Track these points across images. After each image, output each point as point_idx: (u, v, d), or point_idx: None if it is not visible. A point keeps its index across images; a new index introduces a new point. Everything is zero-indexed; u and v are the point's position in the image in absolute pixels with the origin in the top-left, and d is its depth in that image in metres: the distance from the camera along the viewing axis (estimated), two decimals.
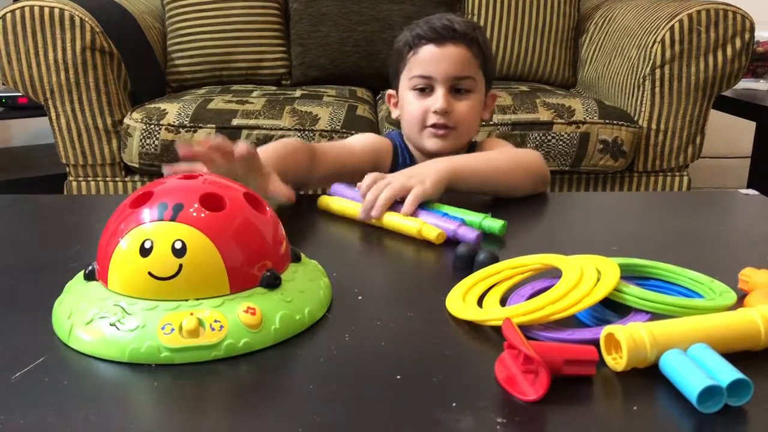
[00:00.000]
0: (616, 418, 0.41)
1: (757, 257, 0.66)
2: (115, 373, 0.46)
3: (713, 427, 0.39)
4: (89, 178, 1.63)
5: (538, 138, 1.56)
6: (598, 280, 0.51)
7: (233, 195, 0.52)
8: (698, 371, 0.41)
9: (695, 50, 1.57)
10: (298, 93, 1.75)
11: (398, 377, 0.44)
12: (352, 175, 0.84)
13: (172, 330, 0.46)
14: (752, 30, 1.57)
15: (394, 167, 1.01)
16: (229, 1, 1.91)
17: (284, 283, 0.52)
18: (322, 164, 0.89)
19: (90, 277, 0.52)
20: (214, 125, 1.52)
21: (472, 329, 0.51)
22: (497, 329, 0.49)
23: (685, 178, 1.69)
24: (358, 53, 1.96)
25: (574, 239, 0.77)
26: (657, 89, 1.60)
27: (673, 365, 0.42)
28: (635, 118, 1.63)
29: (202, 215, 0.49)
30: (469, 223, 0.73)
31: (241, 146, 0.69)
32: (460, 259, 0.63)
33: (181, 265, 0.48)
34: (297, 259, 0.57)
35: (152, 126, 1.53)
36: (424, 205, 0.76)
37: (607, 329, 0.45)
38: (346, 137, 1.52)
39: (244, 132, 1.52)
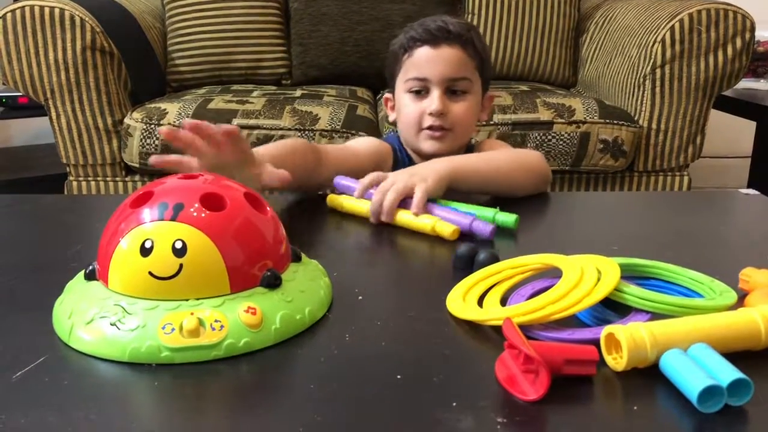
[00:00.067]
0: (616, 418, 0.41)
1: (757, 257, 0.66)
2: (115, 372, 0.46)
3: (713, 427, 0.39)
4: (89, 178, 1.63)
5: (538, 138, 1.56)
6: (599, 279, 0.51)
7: (234, 195, 0.52)
8: (698, 371, 0.41)
9: (696, 50, 1.57)
10: (298, 93, 1.75)
11: (398, 377, 0.44)
12: (355, 178, 0.84)
13: (173, 330, 0.46)
14: (753, 30, 1.57)
15: (395, 170, 1.01)
16: (230, 0, 1.91)
17: (285, 283, 0.52)
18: (326, 166, 0.89)
19: (90, 276, 0.52)
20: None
21: (472, 329, 0.51)
22: (497, 329, 0.49)
23: (686, 178, 1.69)
24: (359, 53, 1.96)
25: (575, 239, 0.77)
26: (657, 89, 1.60)
27: (674, 365, 0.42)
28: (635, 118, 1.63)
29: (203, 215, 0.49)
30: (482, 217, 0.73)
31: (224, 126, 0.69)
32: (461, 258, 0.63)
33: (181, 265, 0.48)
34: (297, 258, 0.57)
35: (153, 126, 1.53)
36: (432, 200, 0.77)
37: (607, 329, 0.45)
38: (347, 137, 1.52)
39: (245, 132, 1.52)
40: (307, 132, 1.53)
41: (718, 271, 0.56)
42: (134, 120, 1.55)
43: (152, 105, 1.59)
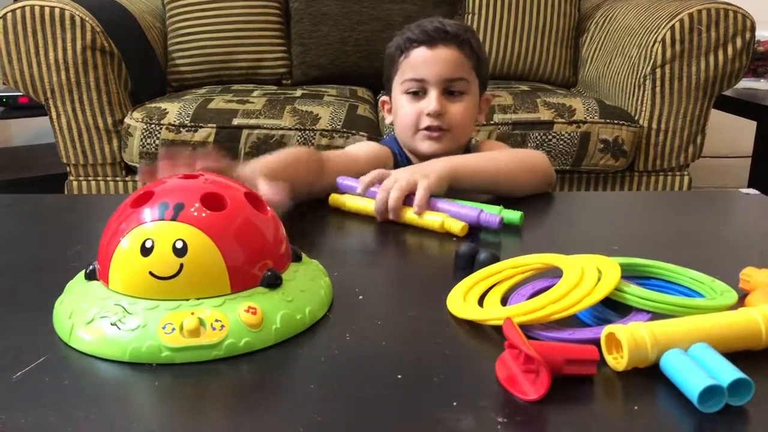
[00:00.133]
0: (616, 417, 0.41)
1: (757, 257, 0.66)
2: (116, 372, 0.46)
3: (714, 426, 0.39)
4: (90, 178, 1.63)
5: (538, 137, 1.56)
6: (599, 279, 0.51)
7: (234, 195, 0.52)
8: (699, 371, 0.41)
9: (696, 50, 1.57)
10: (298, 92, 1.75)
11: (399, 377, 0.44)
12: None
13: (173, 329, 0.46)
14: (753, 29, 1.57)
15: None
16: (230, 0, 1.91)
17: (285, 283, 0.52)
18: (328, 173, 0.89)
19: (91, 276, 0.52)
20: (214, 125, 1.52)
21: (472, 329, 0.51)
22: (498, 329, 0.49)
23: (686, 178, 1.69)
24: (359, 53, 1.96)
25: (575, 239, 0.77)
26: (658, 89, 1.60)
27: (674, 365, 0.42)
28: (636, 118, 1.63)
29: (203, 215, 0.49)
30: (488, 210, 0.73)
31: (202, 163, 0.62)
32: (461, 258, 0.63)
33: (182, 265, 0.48)
34: (298, 258, 0.57)
35: (153, 125, 1.53)
36: (436, 196, 0.77)
37: (608, 329, 0.45)
38: (347, 137, 1.52)
39: (245, 132, 1.52)
40: (307, 132, 1.53)
41: (719, 270, 0.56)
42: (134, 120, 1.55)
43: (152, 105, 1.59)
